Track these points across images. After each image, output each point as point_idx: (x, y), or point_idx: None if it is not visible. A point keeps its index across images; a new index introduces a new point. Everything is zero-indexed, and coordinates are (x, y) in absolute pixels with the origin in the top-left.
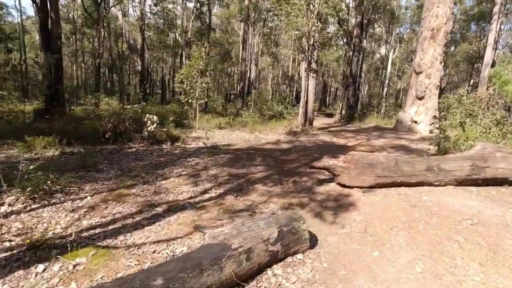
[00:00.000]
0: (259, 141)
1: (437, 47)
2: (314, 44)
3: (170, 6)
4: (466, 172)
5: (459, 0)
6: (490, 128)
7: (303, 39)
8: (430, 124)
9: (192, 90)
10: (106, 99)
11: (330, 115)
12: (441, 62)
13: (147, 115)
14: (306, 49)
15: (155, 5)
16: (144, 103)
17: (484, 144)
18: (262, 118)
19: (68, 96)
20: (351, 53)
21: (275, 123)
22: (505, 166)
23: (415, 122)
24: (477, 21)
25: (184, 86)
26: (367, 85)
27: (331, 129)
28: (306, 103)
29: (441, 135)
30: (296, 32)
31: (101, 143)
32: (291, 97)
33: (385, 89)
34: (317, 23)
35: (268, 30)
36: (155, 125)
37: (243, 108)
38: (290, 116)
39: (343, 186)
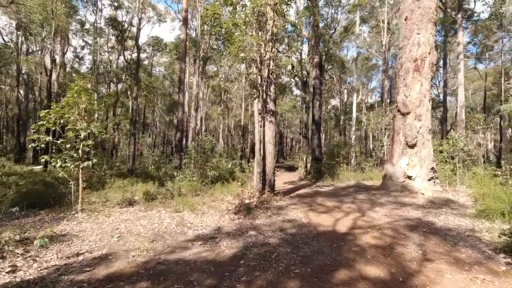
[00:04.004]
0: (182, 235)
1: (423, 81)
2: (270, 76)
3: (103, 51)
4: None
5: None
6: None
7: (254, 68)
8: (429, 180)
9: (68, 145)
10: None
11: (291, 169)
12: (429, 100)
13: None
14: (259, 82)
15: (82, 48)
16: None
17: None
18: (203, 181)
19: None
20: (312, 97)
21: (221, 188)
22: None
23: (409, 177)
24: None
25: (47, 138)
26: (323, 134)
27: (300, 191)
28: (264, 158)
29: None
30: (242, 55)
31: None
32: (246, 149)
33: (353, 137)
34: (272, 49)
35: (212, 74)
36: None
37: (182, 166)
38: (245, 175)
39: None
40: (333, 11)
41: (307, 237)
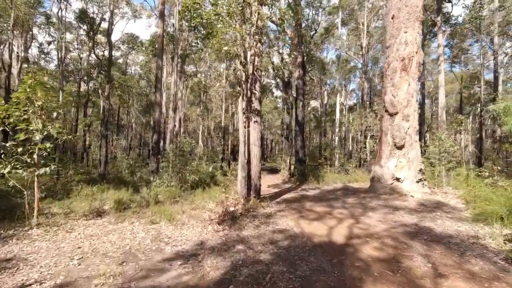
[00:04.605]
0: (158, 253)
1: (411, 81)
2: (255, 72)
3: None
4: None
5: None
6: None
7: (238, 63)
8: (417, 182)
9: (20, 149)
10: None
11: (273, 171)
12: (416, 101)
13: None
14: (244, 79)
15: (49, 43)
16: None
17: None
18: (182, 187)
19: None
20: (295, 97)
21: (202, 194)
22: None
23: (398, 179)
24: None
25: None
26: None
27: (286, 196)
28: (249, 162)
29: None
30: (226, 49)
31: None
32: (227, 151)
33: (337, 138)
34: (257, 44)
35: (191, 73)
36: None
37: (160, 170)
38: (227, 178)
39: None
40: (314, 12)
41: (302, 250)
